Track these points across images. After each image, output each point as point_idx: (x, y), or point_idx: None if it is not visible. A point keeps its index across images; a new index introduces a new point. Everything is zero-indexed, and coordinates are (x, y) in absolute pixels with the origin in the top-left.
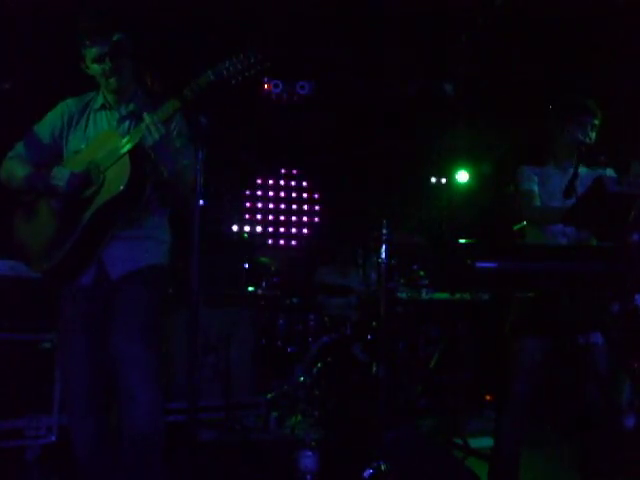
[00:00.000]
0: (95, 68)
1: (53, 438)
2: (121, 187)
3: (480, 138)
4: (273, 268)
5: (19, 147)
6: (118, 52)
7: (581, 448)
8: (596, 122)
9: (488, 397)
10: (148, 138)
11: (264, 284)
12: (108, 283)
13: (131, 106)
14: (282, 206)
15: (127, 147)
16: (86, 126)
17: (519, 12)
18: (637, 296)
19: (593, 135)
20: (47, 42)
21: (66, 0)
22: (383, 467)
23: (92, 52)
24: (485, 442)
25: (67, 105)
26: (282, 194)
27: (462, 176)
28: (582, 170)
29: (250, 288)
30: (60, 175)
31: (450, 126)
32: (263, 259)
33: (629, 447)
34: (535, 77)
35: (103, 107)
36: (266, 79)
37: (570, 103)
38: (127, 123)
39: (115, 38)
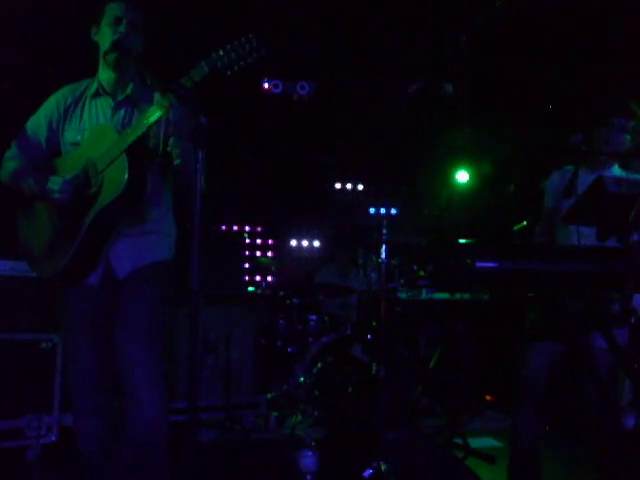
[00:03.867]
0: (106, 31)
1: (53, 438)
2: (121, 189)
3: (480, 138)
4: (273, 268)
5: (15, 146)
6: (136, 24)
7: (588, 450)
8: (630, 125)
9: (488, 397)
10: (170, 112)
11: (264, 284)
12: (115, 282)
13: (129, 89)
14: None
15: (122, 146)
16: (81, 116)
17: (519, 12)
18: (637, 296)
19: (627, 138)
20: (47, 41)
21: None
22: (383, 467)
23: (115, 9)
24: (485, 442)
25: (62, 94)
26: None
27: (462, 176)
28: (617, 172)
29: (250, 288)
30: (55, 187)
31: (450, 126)
32: (263, 259)
33: (629, 447)
34: (535, 77)
35: (97, 93)
36: (266, 79)
37: (605, 103)
38: (122, 112)
39: (140, 12)
